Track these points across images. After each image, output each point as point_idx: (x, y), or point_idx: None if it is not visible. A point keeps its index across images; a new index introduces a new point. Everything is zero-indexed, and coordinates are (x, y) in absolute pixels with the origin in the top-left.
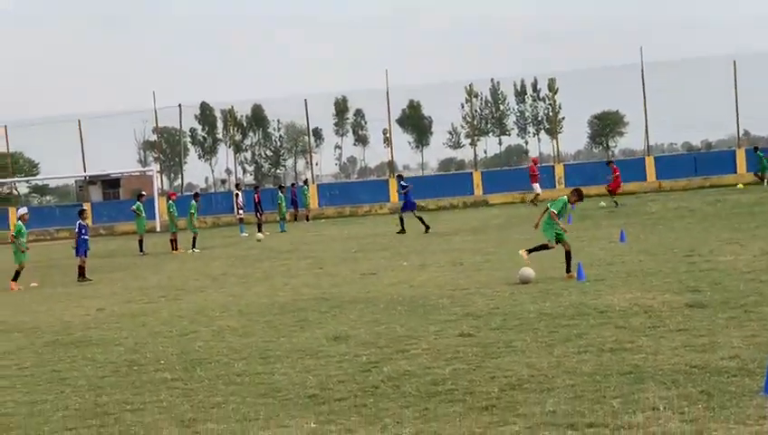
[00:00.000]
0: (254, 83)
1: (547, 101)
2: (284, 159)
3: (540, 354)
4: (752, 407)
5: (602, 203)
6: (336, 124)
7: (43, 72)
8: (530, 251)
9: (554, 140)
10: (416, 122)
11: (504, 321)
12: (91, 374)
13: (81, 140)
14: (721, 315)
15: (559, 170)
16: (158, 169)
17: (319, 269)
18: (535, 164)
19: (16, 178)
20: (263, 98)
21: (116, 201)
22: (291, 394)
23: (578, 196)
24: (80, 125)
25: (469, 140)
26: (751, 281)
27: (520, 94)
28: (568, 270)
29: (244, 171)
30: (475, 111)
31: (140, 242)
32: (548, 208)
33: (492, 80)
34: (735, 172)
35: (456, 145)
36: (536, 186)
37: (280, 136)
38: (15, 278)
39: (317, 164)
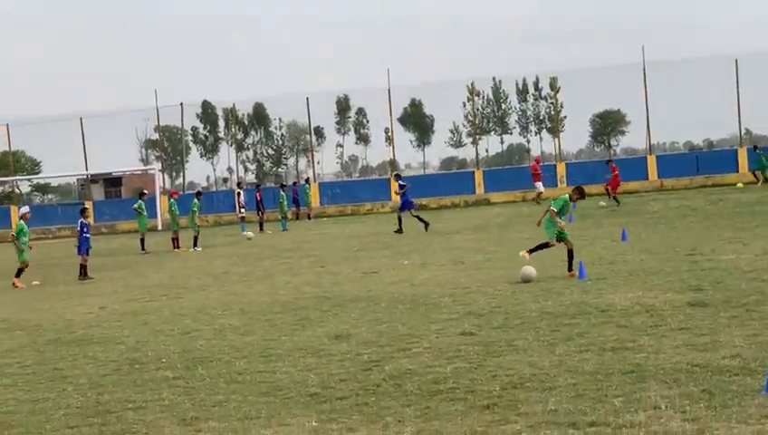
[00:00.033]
0: (256, 82)
1: (549, 100)
2: (286, 158)
3: (541, 353)
4: (753, 406)
5: (602, 202)
6: (338, 123)
7: (45, 71)
8: (531, 251)
9: (556, 139)
10: (417, 121)
11: (506, 319)
12: (93, 373)
13: (83, 138)
14: (723, 314)
15: (561, 169)
16: (160, 168)
17: (320, 268)
18: (538, 163)
19: (18, 177)
20: (264, 96)
21: (118, 200)
22: (292, 393)
23: (579, 194)
24: (81, 123)
25: (471, 139)
26: (753, 280)
27: (522, 93)
28: (570, 269)
29: (246, 170)
30: (477, 109)
31: (142, 240)
32: (550, 207)
33: (493, 78)
34: (737, 171)
35: (458, 144)
36: (539, 184)
37: (282, 135)
38: (18, 275)
39: (318, 163)
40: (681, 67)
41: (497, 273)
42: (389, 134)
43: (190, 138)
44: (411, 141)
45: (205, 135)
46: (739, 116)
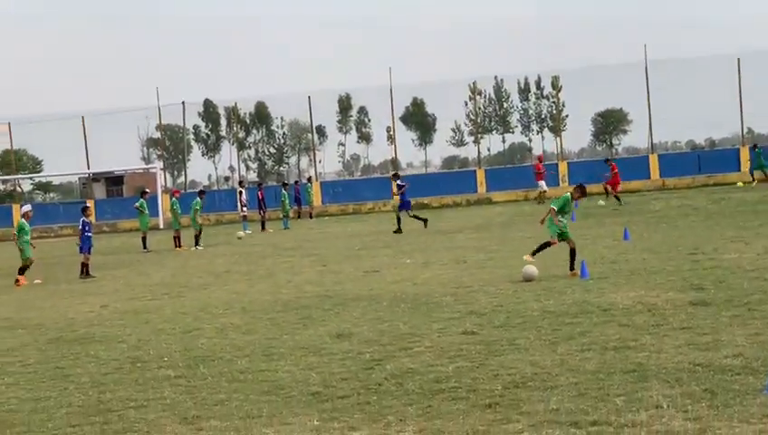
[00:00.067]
0: (257, 81)
1: (551, 99)
2: (288, 157)
3: (543, 352)
4: (755, 405)
5: (601, 202)
6: (339, 122)
7: (46, 70)
8: (534, 253)
9: (558, 138)
10: (419, 120)
11: (508, 319)
12: (95, 371)
13: (85, 137)
14: (725, 313)
15: (562, 168)
16: (162, 167)
17: (322, 266)
18: (540, 161)
19: (20, 176)
20: (266, 95)
21: (119, 198)
22: (294, 391)
23: (581, 192)
24: (83, 122)
25: (473, 138)
26: (755, 279)
27: (523, 92)
28: (572, 268)
29: (248, 169)
30: (479, 108)
31: (144, 239)
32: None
33: (495, 77)
34: (739, 170)
35: (460, 143)
36: (542, 183)
37: (283, 133)
38: (22, 272)
39: (320, 161)
40: (683, 66)
41: (499, 272)
42: (391, 133)
43: (192, 136)
44: (413, 140)
45: (206, 134)
46: (741, 115)
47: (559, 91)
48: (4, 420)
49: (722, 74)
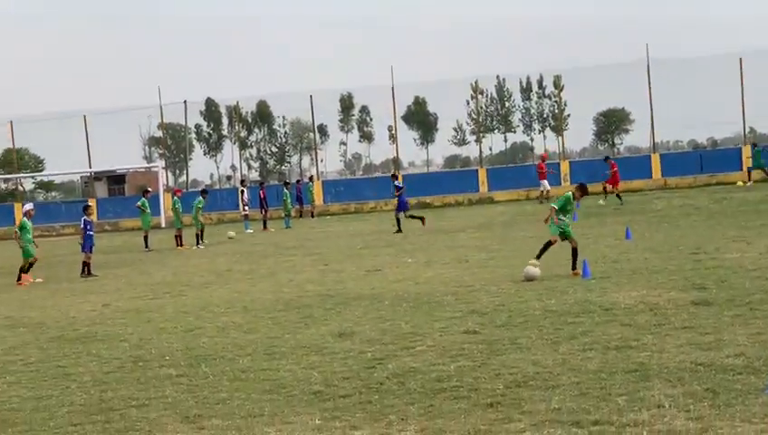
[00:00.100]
0: (258, 81)
1: (553, 99)
2: (289, 156)
3: (545, 352)
4: (757, 405)
5: (601, 201)
6: (341, 121)
7: (47, 70)
8: (538, 256)
9: (560, 138)
10: (421, 119)
11: (510, 318)
12: (97, 370)
13: (87, 135)
14: (727, 313)
15: (564, 167)
16: (164, 166)
17: (324, 266)
18: (543, 161)
19: (22, 174)
20: (268, 94)
21: (121, 197)
22: (295, 390)
23: (582, 191)
24: (85, 121)
25: (474, 137)
26: (757, 278)
27: (525, 91)
28: (573, 267)
29: (249, 168)
30: (481, 107)
31: (145, 238)
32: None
33: (497, 77)
34: (741, 170)
35: (462, 142)
36: (545, 182)
37: (285, 132)
38: (27, 271)
39: (322, 160)
40: (685, 65)
41: (501, 271)
42: (393, 132)
43: (194, 135)
44: (415, 139)
45: (208, 133)
46: (743, 115)
47: (561, 90)
48: (5, 418)
49: (724, 74)
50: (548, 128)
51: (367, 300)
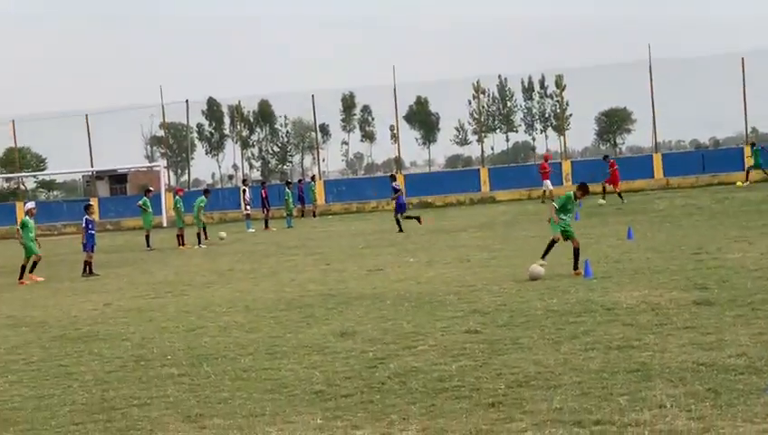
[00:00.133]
0: (260, 80)
1: (554, 98)
2: (291, 155)
3: (546, 351)
4: (759, 405)
5: (601, 201)
6: (343, 120)
7: (48, 70)
8: (544, 256)
9: (561, 137)
10: (423, 118)
11: (511, 318)
12: (98, 369)
13: (89, 135)
14: (728, 313)
15: (566, 167)
16: (165, 165)
17: (326, 265)
18: (546, 161)
19: (24, 174)
20: (270, 93)
21: (123, 196)
22: (297, 390)
23: (583, 191)
24: (87, 120)
25: (476, 137)
26: (759, 278)
27: (527, 91)
28: (575, 267)
29: (251, 167)
30: (483, 107)
31: (147, 237)
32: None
33: (499, 76)
34: (743, 170)
35: (463, 142)
36: (547, 183)
37: (287, 132)
38: (32, 270)
39: (324, 160)
40: (687, 65)
41: (503, 271)
42: (395, 132)
43: (195, 135)
44: (417, 139)
45: (210, 132)
46: (745, 114)
47: (563, 90)
48: (7, 417)
49: (726, 73)
50: (550, 127)
51: (368, 299)
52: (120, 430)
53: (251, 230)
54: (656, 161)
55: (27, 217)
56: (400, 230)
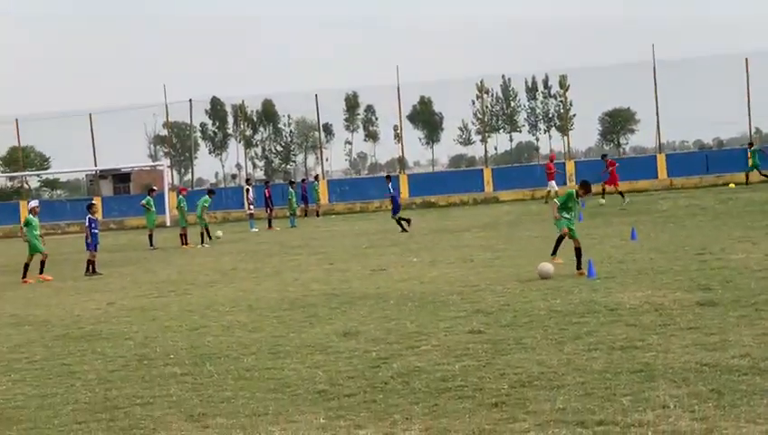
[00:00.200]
0: (264, 79)
1: (558, 98)
2: (295, 155)
3: (550, 352)
4: (762, 406)
5: (601, 201)
6: (347, 120)
7: (52, 69)
8: (554, 253)
9: (565, 137)
10: (426, 118)
11: (515, 318)
12: (101, 368)
13: (92, 134)
14: (732, 314)
15: (570, 167)
16: (169, 164)
17: (329, 265)
18: (552, 161)
19: (27, 172)
20: (273, 93)
21: (126, 196)
22: (300, 389)
23: (585, 189)
24: (90, 119)
25: (480, 137)
26: (762, 279)
27: (531, 91)
28: (578, 267)
29: (255, 166)
30: (486, 107)
31: (150, 237)
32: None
33: (503, 76)
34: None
35: (467, 141)
36: (552, 183)
37: (290, 131)
38: (41, 271)
39: (327, 160)
40: (691, 66)
41: (506, 271)
42: (398, 131)
43: (199, 134)
44: (420, 139)
45: (213, 131)
46: (749, 115)
47: (566, 90)
48: (10, 416)
49: (730, 74)
50: (553, 127)
51: (372, 299)
52: (122, 429)
53: (254, 230)
54: (659, 162)
55: (31, 216)
56: (404, 230)
